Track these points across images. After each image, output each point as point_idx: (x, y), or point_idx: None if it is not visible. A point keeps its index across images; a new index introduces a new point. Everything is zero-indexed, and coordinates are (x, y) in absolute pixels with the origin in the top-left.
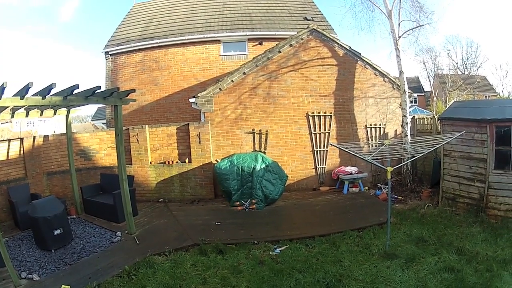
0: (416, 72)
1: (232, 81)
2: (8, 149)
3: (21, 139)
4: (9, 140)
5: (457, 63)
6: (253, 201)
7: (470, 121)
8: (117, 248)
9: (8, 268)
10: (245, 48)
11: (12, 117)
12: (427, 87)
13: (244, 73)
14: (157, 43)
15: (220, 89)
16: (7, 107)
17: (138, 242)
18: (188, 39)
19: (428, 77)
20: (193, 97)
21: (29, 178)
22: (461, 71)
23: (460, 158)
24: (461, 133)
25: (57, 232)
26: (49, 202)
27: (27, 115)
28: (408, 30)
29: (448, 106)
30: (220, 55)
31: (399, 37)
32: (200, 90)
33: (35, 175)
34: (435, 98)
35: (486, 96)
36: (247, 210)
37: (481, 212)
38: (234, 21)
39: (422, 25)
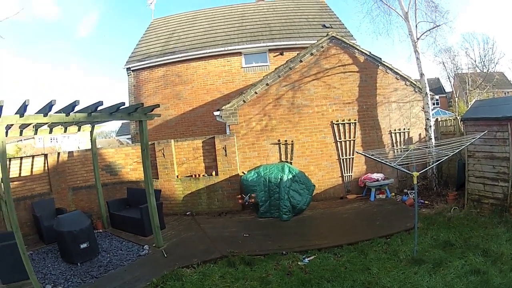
0: (436, 73)
1: (256, 92)
2: (32, 165)
3: (45, 155)
4: (33, 156)
5: (475, 61)
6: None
7: (491, 120)
8: (145, 261)
9: (32, 280)
10: (267, 59)
11: (35, 133)
12: (447, 88)
13: (267, 84)
14: (178, 57)
15: (244, 101)
16: (30, 124)
17: (165, 255)
18: (209, 53)
19: (448, 78)
20: (218, 110)
21: (54, 193)
22: (479, 69)
23: (483, 158)
24: (483, 133)
25: (83, 246)
26: (75, 216)
27: (50, 132)
28: (426, 31)
29: (469, 106)
30: (242, 67)
31: (418, 39)
32: (224, 103)
33: (60, 190)
34: (456, 99)
35: (505, 93)
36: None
37: (505, 212)
38: (254, 33)
39: (439, 25)
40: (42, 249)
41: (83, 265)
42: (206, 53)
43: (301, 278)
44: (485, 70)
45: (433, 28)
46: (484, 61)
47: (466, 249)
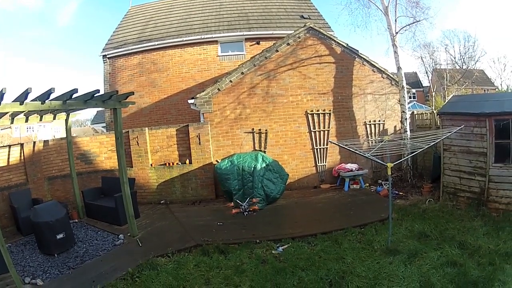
0: (414, 67)
1: (231, 81)
2: (9, 155)
3: (21, 145)
4: (9, 146)
5: (455, 58)
6: (253, 200)
7: (469, 115)
8: (120, 251)
9: (11, 273)
10: (243, 48)
11: (12, 122)
12: (425, 82)
13: (242, 73)
14: (154, 45)
15: (218, 89)
16: (7, 112)
17: (140, 245)
18: (185, 41)
19: (426, 72)
20: (192, 98)
21: (30, 183)
22: (459, 66)
23: (460, 152)
24: (460, 127)
25: (59, 236)
26: (51, 206)
27: (26, 120)
28: (405, 26)
29: (446, 100)
30: (217, 56)
31: (396, 33)
32: (198, 91)
33: (36, 180)
34: (433, 93)
35: (484, 90)
36: (246, 213)
37: (482, 205)
38: (231, 21)
39: (419, 21)
40: (20, 240)
41: (60, 256)
42: (182, 41)
43: (276, 266)
44: (464, 67)
45: (413, 23)
46: (464, 58)
47: (442, 240)
